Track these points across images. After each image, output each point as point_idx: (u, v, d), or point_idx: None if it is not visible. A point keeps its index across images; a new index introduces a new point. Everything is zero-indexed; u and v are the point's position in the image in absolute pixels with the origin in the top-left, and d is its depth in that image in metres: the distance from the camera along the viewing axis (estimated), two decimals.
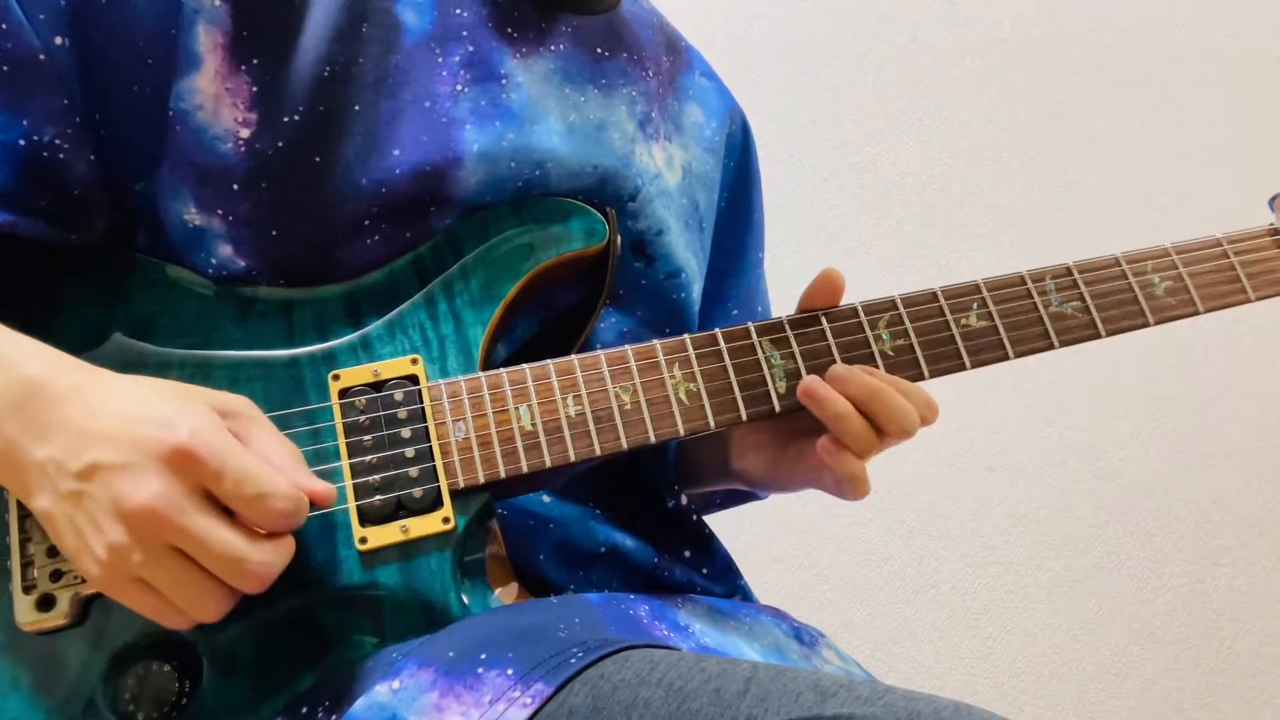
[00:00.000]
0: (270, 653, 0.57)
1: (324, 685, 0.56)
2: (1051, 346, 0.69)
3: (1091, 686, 1.54)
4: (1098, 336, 0.70)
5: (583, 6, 0.73)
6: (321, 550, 0.58)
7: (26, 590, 0.55)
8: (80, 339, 0.60)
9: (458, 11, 0.68)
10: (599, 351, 0.65)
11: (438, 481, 0.60)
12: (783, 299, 0.87)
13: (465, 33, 0.68)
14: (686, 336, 0.66)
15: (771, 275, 0.90)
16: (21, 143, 0.58)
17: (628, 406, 0.64)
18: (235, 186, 0.61)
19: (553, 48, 0.71)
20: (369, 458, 0.60)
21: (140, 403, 0.51)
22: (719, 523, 0.82)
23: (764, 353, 0.67)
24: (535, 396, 0.63)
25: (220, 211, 0.62)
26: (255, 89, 0.62)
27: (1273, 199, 0.78)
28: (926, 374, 0.67)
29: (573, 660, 0.50)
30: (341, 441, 0.60)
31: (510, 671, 0.50)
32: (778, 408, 0.66)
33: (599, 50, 0.74)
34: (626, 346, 0.65)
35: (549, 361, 0.64)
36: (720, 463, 0.78)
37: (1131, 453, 1.62)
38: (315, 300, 0.63)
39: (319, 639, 0.58)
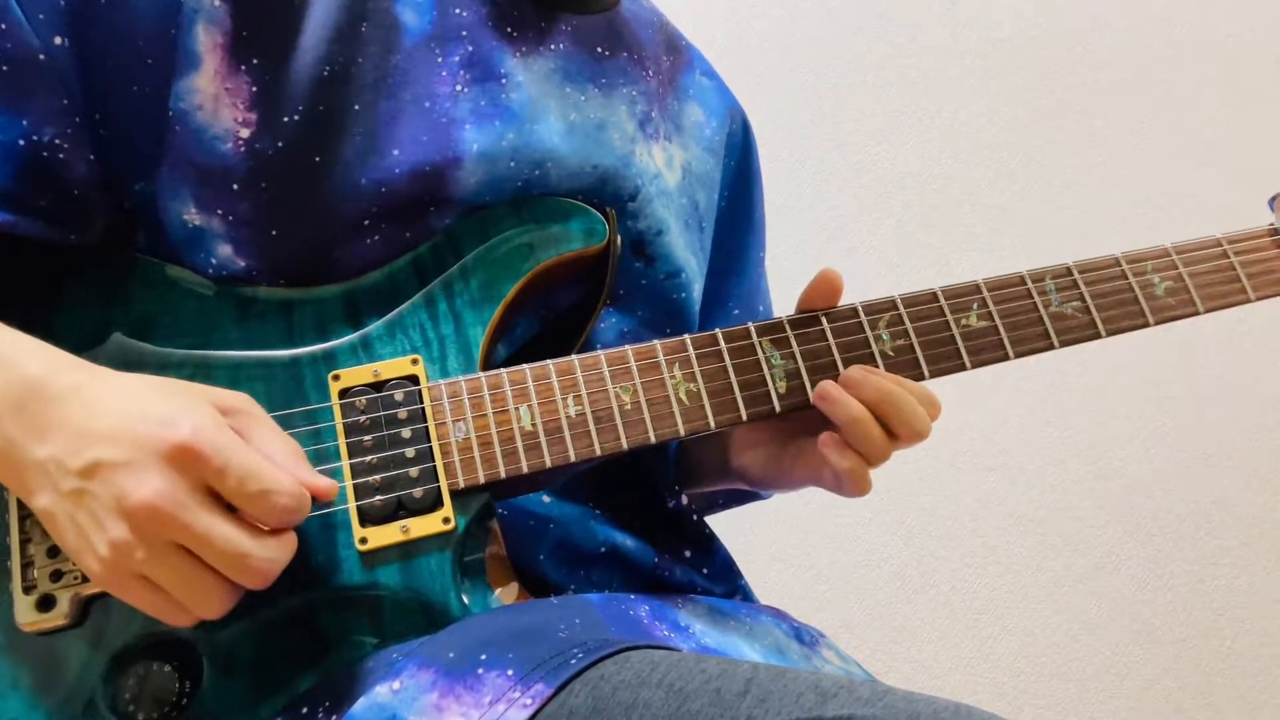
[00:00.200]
0: (270, 653, 0.57)
1: (324, 685, 0.56)
2: (1051, 347, 0.69)
3: (1091, 686, 1.54)
4: (1098, 336, 0.70)
5: (582, 6, 0.73)
6: (322, 550, 0.58)
7: (26, 590, 0.55)
8: (80, 339, 0.59)
9: (457, 11, 0.68)
10: (599, 351, 0.65)
11: (438, 482, 0.60)
12: (783, 299, 0.87)
13: (465, 32, 0.68)
14: (687, 337, 0.66)
15: (772, 275, 0.90)
16: (21, 143, 0.58)
17: (628, 406, 0.64)
18: (235, 186, 0.61)
19: (553, 47, 0.71)
20: (369, 458, 0.60)
21: (140, 400, 0.51)
22: (719, 523, 0.82)
23: (764, 353, 0.67)
24: (535, 397, 0.63)
25: (220, 211, 0.62)
26: (255, 89, 0.61)
27: (1273, 199, 0.78)
28: (927, 374, 0.67)
29: (573, 661, 0.50)
30: (342, 441, 0.60)
31: (510, 672, 0.50)
32: (778, 408, 0.66)
33: (599, 50, 0.74)
34: (626, 346, 0.65)
35: (549, 361, 0.64)
36: (721, 462, 0.78)
37: (1131, 453, 1.62)
38: (315, 300, 0.63)
39: (319, 639, 0.58)
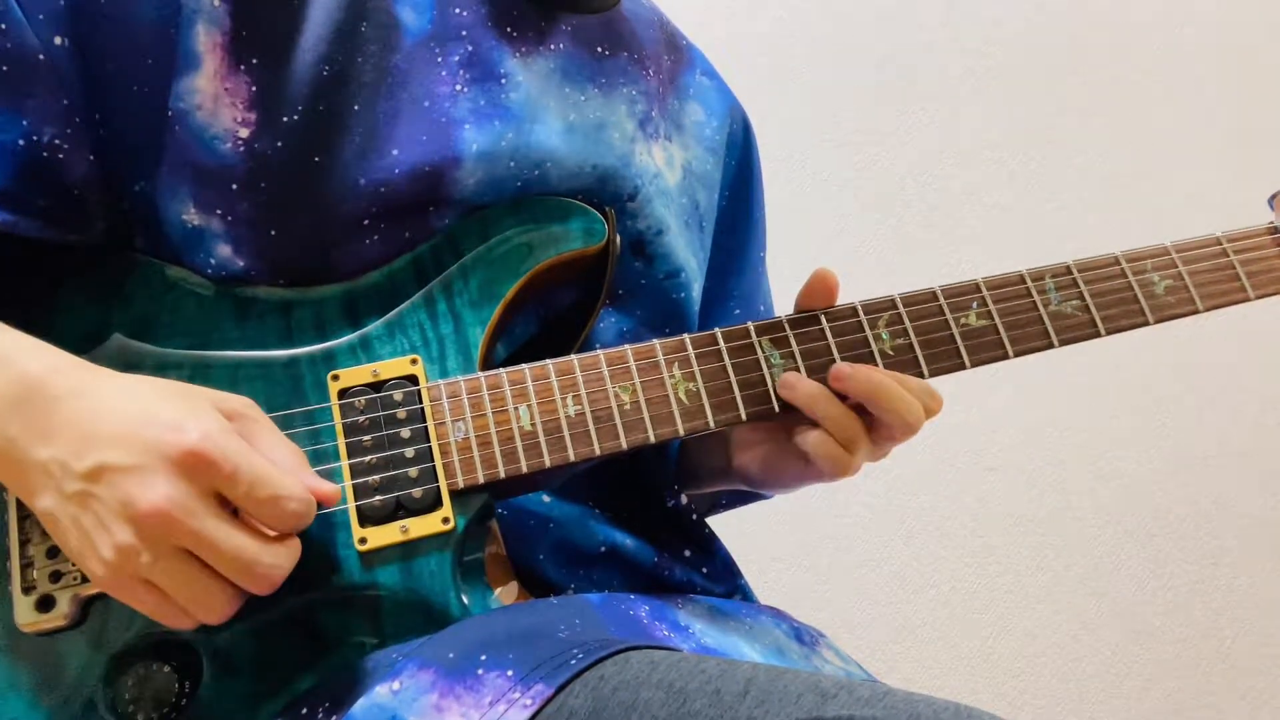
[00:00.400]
0: (270, 653, 0.57)
1: (324, 686, 0.56)
2: (1051, 345, 0.69)
3: (1091, 686, 1.54)
4: (1097, 335, 0.70)
5: (582, 6, 0.73)
6: (321, 551, 0.58)
7: (26, 591, 0.55)
8: (80, 339, 0.59)
9: (457, 11, 0.68)
10: (598, 351, 0.65)
11: (437, 482, 0.60)
12: (783, 299, 0.87)
13: (464, 32, 0.68)
14: (686, 336, 0.66)
15: (771, 275, 0.90)
16: (21, 143, 0.58)
17: (627, 406, 0.64)
18: (234, 186, 0.61)
19: (552, 47, 0.71)
20: (368, 458, 0.60)
21: (145, 403, 0.51)
22: (719, 523, 0.82)
23: (764, 352, 0.67)
24: (535, 396, 0.63)
25: (219, 211, 0.61)
26: (254, 89, 0.61)
27: (1272, 197, 0.78)
28: (926, 373, 0.67)
29: (573, 661, 0.50)
30: (341, 442, 0.60)
31: (510, 672, 0.50)
32: (777, 408, 0.65)
33: (599, 49, 0.73)
34: (626, 346, 0.65)
35: (548, 361, 0.64)
36: (723, 463, 0.77)
37: (1131, 453, 1.62)
38: (314, 300, 0.63)
39: (319, 640, 0.58)
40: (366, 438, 0.60)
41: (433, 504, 0.59)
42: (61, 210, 0.61)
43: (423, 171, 0.64)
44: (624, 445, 0.63)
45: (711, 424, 0.65)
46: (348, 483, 0.59)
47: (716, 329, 0.67)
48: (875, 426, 0.65)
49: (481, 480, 0.60)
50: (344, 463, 0.59)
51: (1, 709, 0.55)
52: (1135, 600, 1.58)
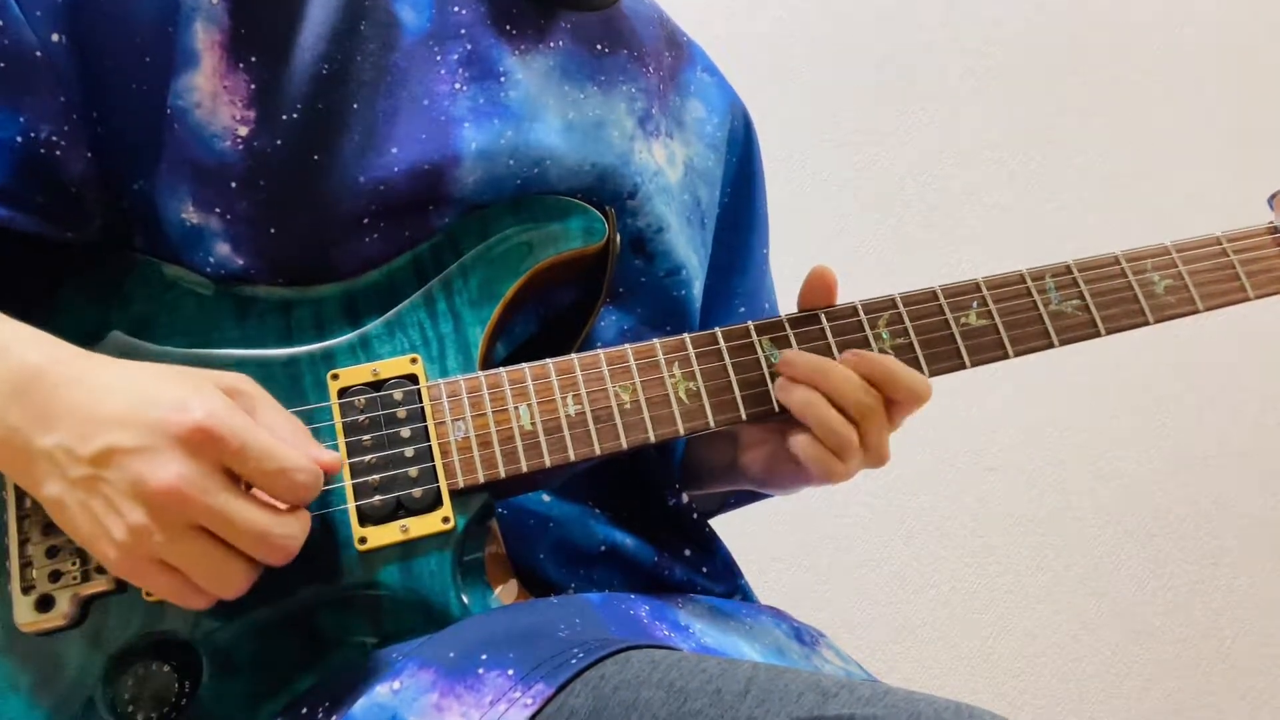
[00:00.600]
0: (270, 653, 0.57)
1: (324, 685, 0.56)
2: (1051, 345, 0.69)
3: (1091, 686, 1.54)
4: (1097, 335, 0.70)
5: (582, 3, 0.73)
6: (321, 550, 0.58)
7: (25, 591, 0.55)
8: (79, 339, 0.59)
9: (456, 9, 0.68)
10: (598, 351, 0.65)
11: (437, 481, 0.60)
12: (783, 300, 0.87)
13: (464, 30, 0.68)
14: (686, 335, 0.66)
15: (773, 275, 0.90)
16: (19, 140, 0.58)
17: (627, 406, 0.64)
18: (233, 185, 0.61)
19: (552, 45, 0.71)
20: (368, 457, 0.60)
21: (147, 385, 0.52)
22: (719, 522, 0.82)
23: (764, 352, 0.66)
24: (535, 396, 0.63)
25: (218, 210, 0.61)
26: (253, 87, 0.61)
27: (1272, 197, 0.78)
28: (926, 373, 0.67)
29: (573, 661, 0.50)
30: (341, 441, 0.60)
31: (511, 672, 0.50)
32: (777, 407, 0.65)
33: (598, 47, 0.73)
34: (626, 345, 0.65)
35: (548, 361, 0.64)
36: (728, 461, 0.77)
37: (1131, 453, 1.62)
38: (314, 299, 0.63)
39: (318, 639, 0.58)
40: (366, 437, 0.60)
41: (433, 503, 0.59)
42: (59, 207, 0.61)
43: (422, 170, 0.63)
44: (624, 445, 0.63)
45: (711, 423, 0.64)
46: (347, 482, 0.59)
47: (717, 328, 0.67)
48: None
49: (481, 480, 0.60)
50: (343, 462, 0.59)
51: (1, 709, 0.55)
52: (1135, 600, 1.58)
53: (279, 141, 0.61)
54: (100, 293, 0.62)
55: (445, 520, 0.59)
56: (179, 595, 0.53)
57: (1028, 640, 1.53)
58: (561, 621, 0.56)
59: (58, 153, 0.60)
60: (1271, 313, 0.92)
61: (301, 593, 0.57)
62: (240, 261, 0.62)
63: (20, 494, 0.56)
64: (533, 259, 0.66)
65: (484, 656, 0.51)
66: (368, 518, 0.58)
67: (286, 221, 0.62)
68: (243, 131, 0.61)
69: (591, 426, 0.63)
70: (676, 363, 0.65)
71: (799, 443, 0.65)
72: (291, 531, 0.53)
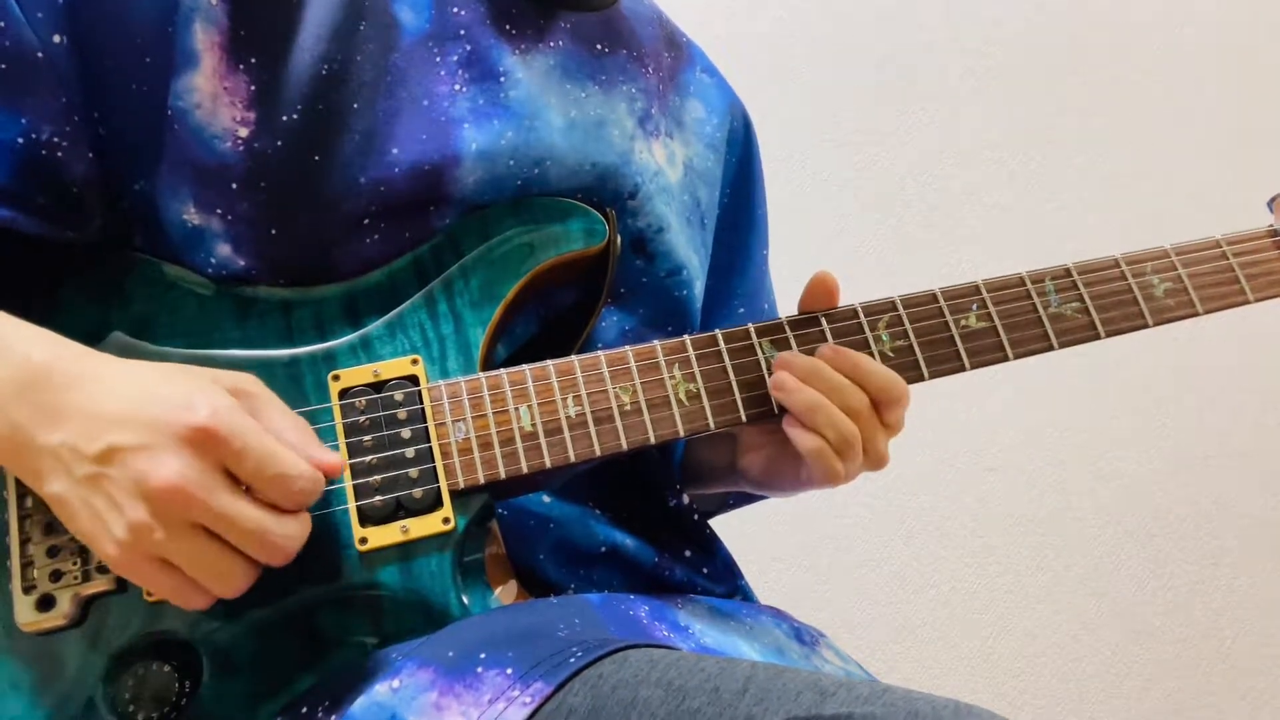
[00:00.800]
0: (270, 653, 0.57)
1: (323, 685, 0.56)
2: (1051, 347, 0.69)
3: (1091, 686, 1.54)
4: (1097, 337, 0.70)
5: (581, 3, 0.73)
6: (321, 550, 0.58)
7: (26, 590, 0.55)
8: (80, 339, 0.59)
9: (455, 10, 0.68)
10: (599, 352, 0.65)
11: (438, 482, 0.60)
12: (783, 300, 0.87)
13: (463, 31, 0.68)
14: (686, 337, 0.66)
15: (772, 275, 0.90)
16: (20, 141, 0.58)
17: (627, 407, 0.64)
18: (234, 185, 0.61)
19: (552, 44, 0.71)
20: (369, 458, 0.60)
21: (151, 384, 0.52)
22: (719, 523, 0.82)
23: (764, 353, 0.67)
24: (535, 397, 0.63)
25: (219, 211, 0.62)
26: (253, 88, 0.61)
27: (1271, 200, 0.78)
28: (926, 375, 0.67)
29: (572, 660, 0.50)
30: (341, 442, 0.60)
31: (510, 671, 0.50)
32: (777, 409, 0.66)
33: (598, 46, 0.73)
34: (626, 347, 0.65)
35: (549, 362, 0.64)
36: (729, 462, 0.77)
37: (1131, 453, 1.62)
38: (314, 300, 0.63)
39: (318, 639, 0.58)
40: (367, 438, 0.60)
41: (433, 504, 0.59)
42: (60, 208, 0.61)
43: (422, 170, 0.64)
44: (624, 446, 0.63)
45: (711, 425, 0.65)
46: (348, 483, 0.59)
47: (717, 330, 0.67)
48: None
49: (482, 480, 0.61)
50: (344, 463, 0.59)
51: (1, 708, 0.55)
52: (1135, 600, 1.58)
53: (279, 142, 0.61)
54: (101, 293, 0.62)
55: (446, 521, 0.59)
56: (179, 594, 0.53)
57: (1028, 640, 1.53)
58: (561, 621, 0.56)
59: (59, 154, 0.60)
60: (1271, 314, 0.92)
61: (302, 593, 0.57)
62: (241, 262, 0.62)
63: (21, 493, 0.56)
64: (534, 260, 0.66)
65: (483, 656, 0.51)
66: (368, 518, 0.59)
67: (287, 222, 0.62)
68: (243, 132, 0.61)
69: (592, 427, 0.63)
70: (677, 364, 0.65)
71: (805, 439, 0.64)
72: (291, 532, 0.53)
